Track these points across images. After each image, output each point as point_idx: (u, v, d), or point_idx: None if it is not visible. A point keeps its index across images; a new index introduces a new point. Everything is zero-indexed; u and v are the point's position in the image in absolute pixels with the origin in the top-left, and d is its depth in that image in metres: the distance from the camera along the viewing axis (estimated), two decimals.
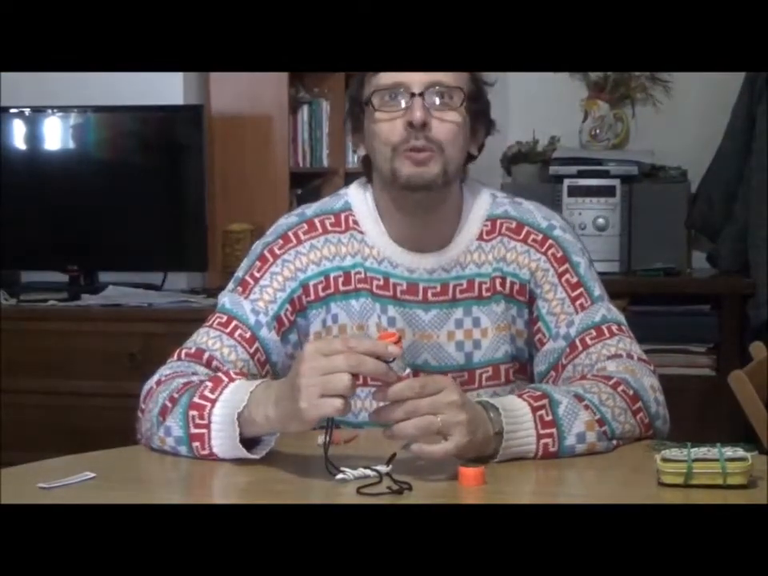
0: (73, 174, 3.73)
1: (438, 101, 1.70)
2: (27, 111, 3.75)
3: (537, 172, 4.00)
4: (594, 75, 4.05)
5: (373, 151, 1.75)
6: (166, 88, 3.73)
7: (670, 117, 4.05)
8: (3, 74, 3.59)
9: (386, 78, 1.71)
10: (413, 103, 1.68)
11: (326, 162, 4.12)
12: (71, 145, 3.78)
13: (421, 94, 1.68)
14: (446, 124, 1.70)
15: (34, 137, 3.77)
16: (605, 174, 3.88)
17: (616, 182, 3.85)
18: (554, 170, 3.91)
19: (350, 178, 4.07)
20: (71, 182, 3.72)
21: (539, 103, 4.12)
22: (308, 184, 4.08)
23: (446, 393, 1.45)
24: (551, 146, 4.04)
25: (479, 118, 1.78)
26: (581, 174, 3.88)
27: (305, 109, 4.03)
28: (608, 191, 3.85)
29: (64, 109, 3.74)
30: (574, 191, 3.87)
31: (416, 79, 1.69)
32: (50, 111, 3.76)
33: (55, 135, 3.78)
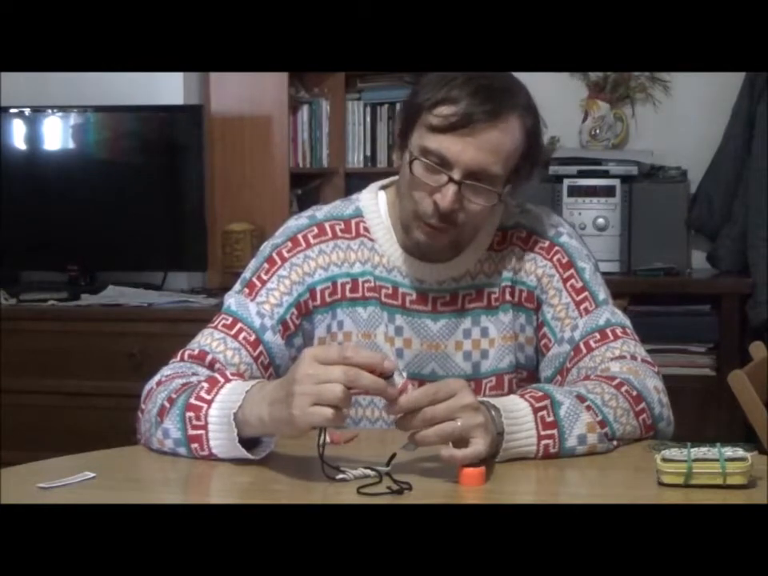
0: (72, 174, 3.73)
1: (475, 189, 1.66)
2: (27, 111, 3.75)
3: (537, 172, 3.99)
4: (593, 75, 4.05)
5: (400, 183, 1.74)
6: (165, 88, 3.73)
7: (670, 117, 4.04)
8: (3, 73, 3.58)
9: (434, 141, 1.64)
10: (447, 189, 1.65)
11: (325, 162, 4.12)
12: (71, 145, 3.78)
13: (459, 183, 1.64)
14: (476, 206, 1.67)
15: (33, 137, 3.77)
16: (605, 174, 3.88)
17: (616, 182, 3.85)
18: (553, 170, 3.90)
19: (350, 177, 4.11)
20: (71, 181, 3.72)
21: (539, 103, 4.09)
22: (308, 184, 4.08)
23: (459, 396, 1.44)
24: (551, 146, 4.04)
25: (522, 177, 1.76)
26: (581, 174, 3.88)
27: (305, 109, 4.03)
28: (608, 191, 3.85)
29: (64, 109, 3.75)
30: (574, 191, 3.87)
31: (461, 162, 1.64)
32: (49, 111, 3.76)
33: (55, 135, 3.78)
